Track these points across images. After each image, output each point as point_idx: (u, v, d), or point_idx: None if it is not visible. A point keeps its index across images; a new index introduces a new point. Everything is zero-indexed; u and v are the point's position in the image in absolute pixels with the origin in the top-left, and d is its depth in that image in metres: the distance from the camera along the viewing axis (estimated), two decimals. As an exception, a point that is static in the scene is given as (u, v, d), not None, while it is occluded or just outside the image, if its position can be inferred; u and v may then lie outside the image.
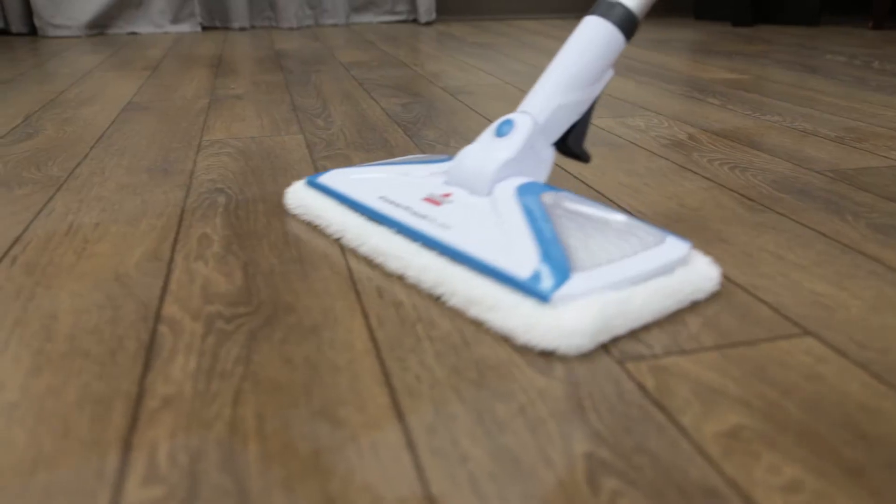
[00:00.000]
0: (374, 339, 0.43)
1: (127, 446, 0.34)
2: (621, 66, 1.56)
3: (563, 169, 0.78)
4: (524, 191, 0.54)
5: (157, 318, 0.46)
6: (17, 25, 2.13)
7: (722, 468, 0.33)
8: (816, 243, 0.58)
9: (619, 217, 0.52)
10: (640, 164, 0.80)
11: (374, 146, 0.88)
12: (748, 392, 0.38)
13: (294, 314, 0.47)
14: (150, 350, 0.43)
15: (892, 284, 0.51)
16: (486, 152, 0.57)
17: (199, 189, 0.72)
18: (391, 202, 0.57)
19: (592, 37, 0.59)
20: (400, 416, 0.36)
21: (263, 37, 2.13)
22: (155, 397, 0.38)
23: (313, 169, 0.78)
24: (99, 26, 2.17)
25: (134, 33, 2.20)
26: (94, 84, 1.33)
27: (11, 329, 0.45)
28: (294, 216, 0.64)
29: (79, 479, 0.32)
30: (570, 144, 0.60)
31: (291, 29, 2.34)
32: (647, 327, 0.45)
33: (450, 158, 0.63)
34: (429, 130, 0.96)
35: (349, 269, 0.53)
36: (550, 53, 1.76)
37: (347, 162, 0.81)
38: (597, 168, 0.78)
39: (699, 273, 0.49)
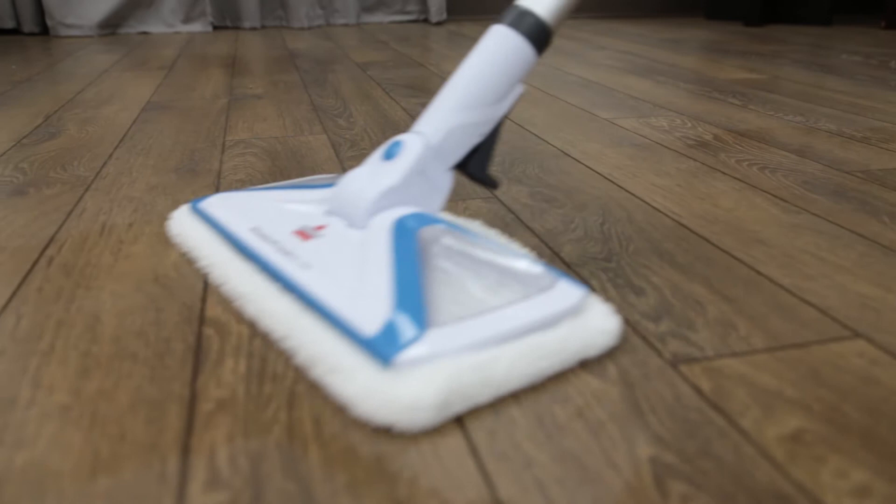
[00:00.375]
0: (422, 342, 0.43)
1: (185, 450, 0.34)
2: (640, 65, 1.55)
3: (594, 171, 0.78)
4: (401, 225, 0.47)
5: (202, 320, 0.46)
6: (28, 25, 2.13)
7: (788, 472, 0.32)
8: (857, 245, 0.58)
9: (508, 258, 0.45)
10: (669, 164, 0.80)
11: (400, 146, 0.87)
12: (806, 395, 0.38)
13: (339, 316, 0.46)
14: (197, 352, 0.42)
15: (937, 286, 0.51)
16: (369, 178, 0.51)
17: (228, 189, 0.71)
18: (261, 235, 0.51)
19: (499, 49, 0.52)
20: (458, 420, 0.36)
21: (275, 36, 2.13)
22: (208, 400, 0.38)
23: (341, 168, 0.78)
24: (110, 26, 2.17)
25: (145, 33, 2.20)
26: (111, 84, 1.32)
27: (55, 331, 0.45)
28: (174, 246, 0.58)
29: (140, 483, 0.32)
30: (472, 170, 0.53)
31: (302, 28, 2.34)
32: (694, 329, 0.45)
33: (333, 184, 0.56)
34: (452, 130, 0.95)
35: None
36: (563, 54, 1.75)
37: (374, 162, 0.80)
38: (627, 169, 0.78)
39: (592, 326, 0.41)
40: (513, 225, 0.61)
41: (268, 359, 0.42)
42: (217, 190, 0.71)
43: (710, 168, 0.78)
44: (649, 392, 0.38)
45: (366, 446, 0.34)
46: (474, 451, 0.34)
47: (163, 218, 0.63)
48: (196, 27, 2.25)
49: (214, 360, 0.41)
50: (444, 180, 0.52)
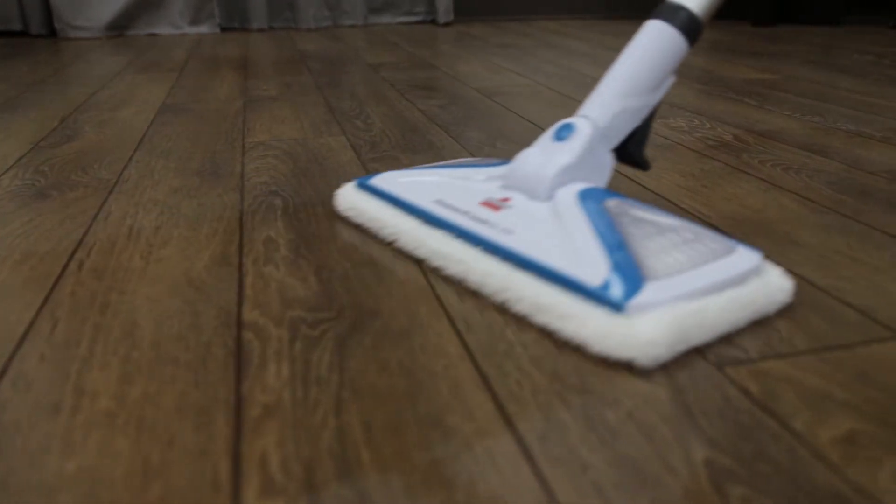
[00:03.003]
0: (465, 344, 0.43)
1: (236, 456, 0.34)
2: (649, 65, 1.55)
3: (617, 171, 0.77)
4: (586, 196, 0.52)
5: (240, 324, 0.46)
6: (36, 27, 2.13)
7: (846, 474, 0.32)
8: (890, 245, 0.58)
9: (685, 225, 0.50)
10: (693, 165, 0.79)
11: (421, 148, 0.87)
12: (855, 396, 0.38)
13: (379, 319, 0.46)
14: (239, 357, 0.42)
15: (975, 286, 0.51)
16: (545, 156, 0.56)
17: (253, 192, 0.71)
18: (448, 206, 0.56)
19: (655, 42, 0.57)
20: (508, 423, 0.36)
21: (284, 38, 2.12)
22: (255, 405, 0.38)
23: (364, 171, 0.78)
24: (118, 28, 2.17)
25: (153, 34, 2.20)
26: (124, 86, 1.32)
27: (93, 336, 0.45)
28: (344, 218, 0.64)
29: (194, 490, 0.32)
30: (631, 151, 0.59)
31: (310, 30, 2.34)
32: (737, 330, 0.44)
33: (504, 162, 0.61)
34: (472, 132, 0.95)
35: (424, 273, 0.53)
36: (576, 55, 1.75)
37: (396, 163, 0.80)
38: (651, 170, 0.78)
39: (772, 284, 0.47)
40: (542, 226, 0.61)
41: (311, 363, 0.41)
42: (242, 192, 0.71)
43: (734, 168, 0.78)
44: (698, 395, 0.38)
45: (419, 451, 0.34)
46: (529, 456, 0.34)
47: (189, 221, 0.63)
48: (204, 28, 2.25)
49: (257, 365, 0.41)
50: (608, 159, 0.58)
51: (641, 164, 0.60)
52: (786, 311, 0.47)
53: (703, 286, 0.44)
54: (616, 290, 0.42)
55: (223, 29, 2.33)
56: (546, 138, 0.57)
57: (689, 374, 0.40)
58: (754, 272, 0.47)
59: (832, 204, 0.67)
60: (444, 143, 0.89)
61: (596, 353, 0.41)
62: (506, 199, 0.56)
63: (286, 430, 0.36)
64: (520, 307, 0.46)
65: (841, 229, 0.61)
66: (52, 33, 2.17)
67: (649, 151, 0.85)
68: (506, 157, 0.82)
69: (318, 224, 0.62)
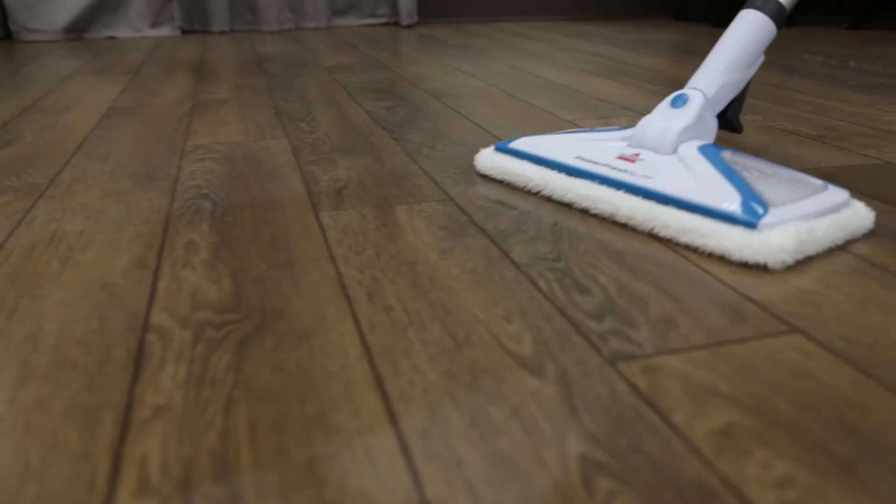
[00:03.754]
0: (365, 344, 0.43)
1: (117, 457, 0.34)
2: (606, 67, 1.56)
3: (548, 170, 0.78)
4: (705, 149, 0.64)
5: (146, 326, 0.46)
6: (-6, 32, 2.11)
7: (715, 466, 0.33)
8: (802, 241, 0.59)
9: (784, 170, 0.63)
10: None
11: (360, 150, 0.87)
12: (739, 390, 0.39)
13: (284, 320, 0.46)
14: (138, 359, 0.42)
15: (877, 280, 0.52)
16: (666, 120, 0.67)
17: (184, 195, 0.71)
18: (588, 160, 0.68)
19: (751, 27, 0.71)
20: (393, 421, 0.36)
21: (244, 40, 2.12)
22: (145, 407, 0.38)
23: (300, 174, 0.78)
24: (76, 30, 2.15)
25: (112, 37, 2.18)
26: (73, 89, 1.31)
27: (-3, 340, 0.45)
28: (485, 177, 0.76)
29: (69, 491, 0.32)
30: (730, 116, 0.73)
31: (272, 32, 2.33)
32: (636, 326, 0.45)
33: (624, 128, 0.72)
34: (414, 133, 0.96)
35: (339, 274, 0.53)
36: (532, 56, 1.76)
37: (334, 165, 0.80)
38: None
39: (859, 214, 0.60)
40: (466, 226, 0.62)
41: (209, 364, 0.42)
42: (173, 196, 0.71)
43: (666, 167, 0.79)
44: (585, 390, 0.39)
45: (298, 450, 0.34)
46: (406, 452, 0.34)
47: (114, 224, 0.63)
48: (164, 31, 2.24)
49: (155, 367, 0.41)
50: (713, 123, 0.70)
51: (737, 128, 0.74)
52: (689, 307, 0.48)
53: (811, 212, 0.57)
54: (750, 213, 0.55)
55: (184, 31, 2.32)
56: (664, 106, 0.69)
57: (580, 370, 0.40)
58: (845, 204, 0.60)
59: (755, 202, 0.68)
60: (385, 146, 0.90)
61: (736, 260, 0.54)
62: (636, 154, 0.67)
63: (171, 431, 0.36)
64: (665, 232, 0.58)
65: (758, 226, 0.62)
66: (7, 36, 2.15)
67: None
68: (446, 156, 0.83)
69: (242, 227, 0.62)
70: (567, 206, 0.67)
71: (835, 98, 1.18)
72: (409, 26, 2.51)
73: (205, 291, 0.51)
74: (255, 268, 0.54)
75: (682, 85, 1.32)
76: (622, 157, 0.67)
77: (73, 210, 0.67)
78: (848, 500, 0.31)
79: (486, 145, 0.89)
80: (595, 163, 0.67)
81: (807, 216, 0.56)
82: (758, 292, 0.50)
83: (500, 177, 0.74)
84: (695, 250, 0.57)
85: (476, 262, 0.55)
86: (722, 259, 0.55)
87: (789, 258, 0.53)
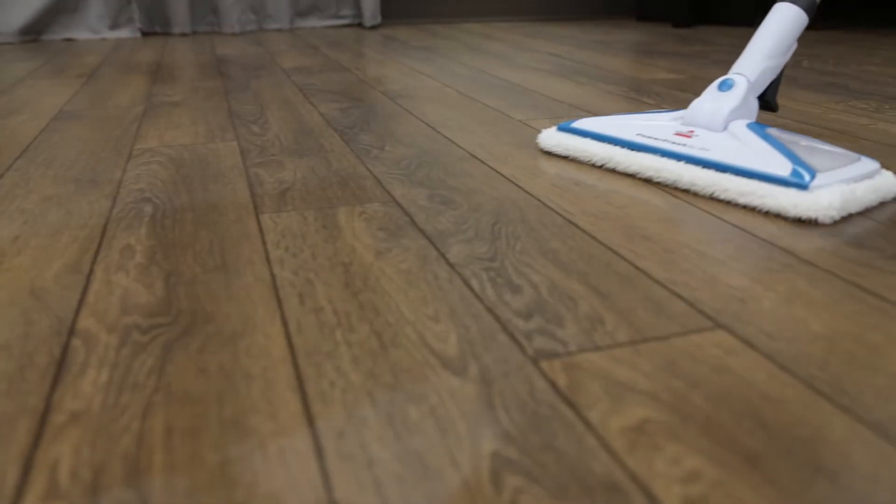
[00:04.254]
0: (291, 346, 0.43)
1: (28, 464, 0.34)
2: (565, 67, 1.57)
3: (497, 172, 0.79)
4: (753, 126, 0.73)
5: (71, 331, 0.46)
6: (-51, 34, 2.08)
7: (625, 462, 0.33)
8: (737, 238, 0.60)
9: (822, 143, 0.74)
10: (572, 163, 0.81)
11: (309, 152, 0.87)
12: (657, 386, 0.39)
13: (213, 323, 0.46)
14: (60, 365, 0.42)
15: (805, 276, 0.53)
16: (716, 102, 0.76)
17: (126, 199, 0.71)
18: (649, 137, 0.78)
19: (785, 18, 0.79)
20: (310, 422, 0.36)
21: (205, 42, 2.10)
22: (62, 412, 0.37)
23: (245, 177, 0.78)
24: (33, 32, 2.13)
25: (70, 39, 2.15)
26: (24, 92, 1.30)
27: (-81, 347, 0.44)
28: (547, 153, 0.86)
29: (-23, 498, 0.32)
30: (768, 97, 0.81)
31: (234, 34, 2.32)
32: (563, 324, 0.45)
33: (672, 111, 0.82)
34: (365, 135, 0.96)
35: (273, 276, 0.53)
36: (492, 56, 1.77)
37: (280, 167, 0.80)
38: (530, 170, 0.79)
39: (890, 181, 0.70)
40: (405, 227, 0.62)
41: (132, 368, 0.41)
42: (115, 200, 0.70)
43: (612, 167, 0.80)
44: (505, 389, 0.39)
45: (212, 453, 0.34)
46: (320, 453, 0.34)
47: (51, 229, 0.63)
48: (124, 33, 2.22)
49: (76, 372, 0.41)
50: (755, 104, 0.79)
51: (773, 107, 0.83)
52: (617, 304, 0.48)
53: (850, 177, 0.67)
54: (802, 177, 0.65)
55: (144, 33, 2.30)
56: (712, 90, 0.78)
57: (502, 369, 0.41)
58: (877, 171, 0.70)
59: (696, 200, 0.69)
60: (334, 147, 0.89)
61: (792, 217, 0.64)
62: (691, 132, 0.76)
63: (86, 436, 0.36)
64: (726, 196, 0.68)
65: (696, 223, 0.63)
66: (-36, 40, 2.11)
67: (536, 151, 0.86)
68: (394, 157, 0.83)
69: (181, 230, 0.62)
70: (513, 204, 0.67)
71: (786, 97, 1.20)
72: (373, 27, 2.51)
73: (135, 295, 0.50)
74: (190, 271, 0.54)
75: (637, 84, 1.33)
76: (679, 134, 0.76)
77: (10, 215, 0.67)
78: (752, 493, 0.32)
79: (436, 146, 0.89)
80: (655, 139, 0.77)
81: (847, 180, 0.66)
82: (687, 290, 0.51)
83: (563, 153, 0.83)
84: (632, 249, 0.57)
85: (411, 262, 0.55)
86: (647, 256, 0.56)
87: (837, 214, 0.63)
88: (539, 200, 0.69)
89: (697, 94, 1.24)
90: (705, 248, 0.58)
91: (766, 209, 0.65)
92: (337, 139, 0.93)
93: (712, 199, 0.69)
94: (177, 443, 0.35)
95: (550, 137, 0.85)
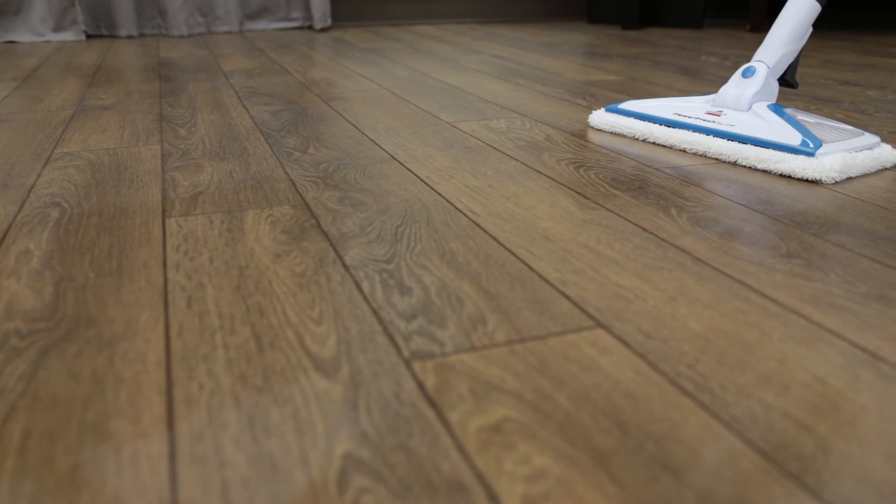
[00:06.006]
0: (168, 350, 0.43)
1: None
2: (507, 69, 1.58)
3: (414, 174, 0.79)
4: (773, 107, 0.86)
5: (-51, 337, 0.45)
6: None
7: (474, 462, 0.34)
8: (635, 237, 0.61)
9: (834, 122, 0.88)
10: (490, 166, 0.82)
11: (231, 155, 0.87)
12: (524, 385, 0.40)
13: (95, 327, 0.46)
14: (-69, 371, 0.41)
15: (695, 275, 0.54)
16: (740, 88, 0.89)
17: (34, 203, 0.70)
18: (684, 115, 0.92)
19: (800, 7, 0.88)
20: (171, 425, 0.36)
21: (151, 45, 2.08)
22: (-78, 419, 0.37)
23: (160, 180, 0.77)
24: (-24, 36, 2.09)
25: (12, 42, 2.12)
26: (-45, 96, 1.28)
27: None
28: (597, 131, 0.99)
29: None
30: (787, 77, 0.92)
31: (182, 37, 2.30)
32: (445, 325, 0.46)
33: (706, 95, 0.95)
34: (291, 138, 0.95)
35: (165, 280, 0.53)
36: (436, 59, 1.77)
37: (199, 171, 0.80)
38: (446, 172, 0.79)
39: (887, 152, 0.83)
40: (309, 230, 0.62)
41: (2, 374, 0.41)
42: (22, 204, 0.69)
43: (528, 168, 0.81)
44: (372, 390, 0.39)
45: (65, 457, 0.34)
46: (172, 456, 0.34)
47: (-50, 234, 0.62)
48: (68, 36, 2.19)
49: (-54, 379, 0.41)
50: (775, 86, 0.90)
51: (793, 85, 0.93)
52: (504, 305, 0.49)
53: (852, 147, 0.81)
54: (810, 146, 0.79)
55: (89, 36, 2.27)
56: (737, 77, 0.90)
57: (374, 370, 0.41)
58: (877, 144, 0.85)
59: (603, 200, 0.70)
60: (257, 150, 0.89)
61: (799, 178, 0.77)
62: (720, 112, 0.89)
63: (-59, 444, 0.35)
64: (746, 163, 0.82)
65: (599, 224, 0.63)
66: None
67: (457, 152, 0.86)
68: (315, 160, 0.83)
69: (84, 235, 0.62)
70: (422, 206, 0.67)
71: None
72: (323, 30, 2.50)
73: (22, 300, 0.50)
74: (83, 276, 0.54)
75: (575, 86, 1.34)
76: (710, 113, 0.89)
77: (-88, 220, 0.66)
78: (594, 491, 0.32)
79: (359, 148, 0.89)
80: (689, 117, 0.91)
81: (851, 149, 0.80)
82: (575, 289, 0.51)
83: (611, 130, 0.97)
84: (531, 250, 0.58)
85: (307, 265, 0.55)
86: (543, 257, 0.57)
87: (838, 176, 0.76)
88: (448, 202, 0.69)
89: (632, 95, 1.26)
90: (604, 247, 0.59)
91: (779, 172, 0.78)
92: (262, 142, 0.93)
93: (736, 165, 0.82)
94: (32, 447, 0.35)
95: (600, 117, 0.99)
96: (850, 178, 0.78)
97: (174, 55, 1.85)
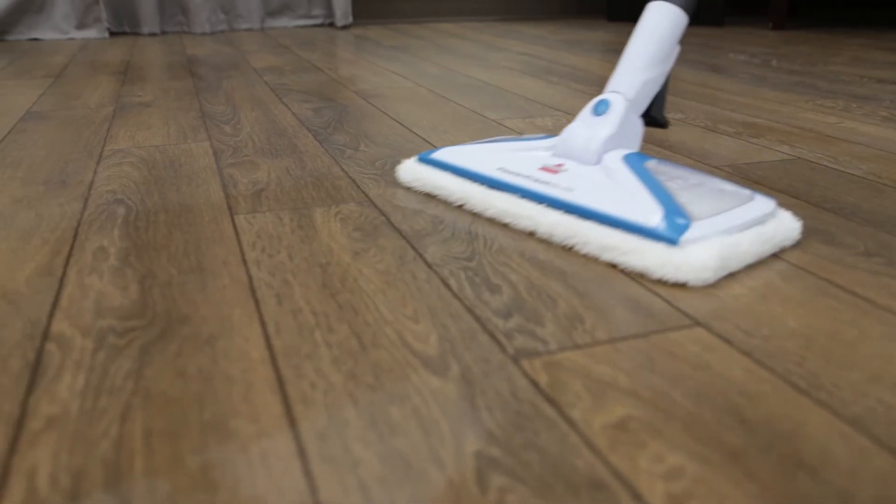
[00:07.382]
0: (270, 348, 0.43)
1: (5, 470, 0.33)
2: (537, 67, 1.58)
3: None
4: (630, 159, 0.62)
5: (45, 335, 0.45)
6: None
7: (608, 459, 0.33)
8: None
9: (710, 179, 0.62)
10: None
11: (283, 152, 0.87)
12: (637, 383, 0.39)
13: (189, 325, 0.46)
14: (35, 369, 0.41)
15: (780, 273, 0.53)
16: (589, 129, 0.65)
17: (97, 200, 0.70)
18: (511, 172, 0.65)
19: (662, 19, 0.67)
20: (292, 424, 0.36)
21: (175, 42, 2.08)
22: (38, 418, 0.37)
23: (219, 178, 0.77)
24: (-1, 34, 2.09)
25: (36, 39, 2.12)
26: (-9, 94, 1.28)
27: None
28: (408, 188, 0.73)
29: (-48, 506, 0.31)
30: (654, 113, 0.70)
31: (204, 34, 2.30)
32: (542, 323, 0.46)
33: (548, 136, 0.70)
34: (340, 135, 0.95)
35: (249, 278, 0.52)
36: (462, 56, 1.77)
37: (255, 168, 0.80)
38: (503, 168, 0.79)
39: (786, 224, 0.58)
40: (381, 227, 0.62)
41: (108, 372, 0.41)
42: (86, 202, 0.69)
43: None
44: (487, 388, 0.39)
45: (193, 456, 0.34)
46: (302, 455, 0.34)
47: (22, 232, 0.61)
48: (91, 33, 2.19)
49: (52, 377, 0.40)
50: (639, 125, 0.67)
51: (662, 124, 0.72)
52: (596, 303, 0.48)
53: (735, 225, 0.55)
54: (671, 229, 0.53)
55: (112, 33, 2.27)
56: (586, 113, 0.66)
57: (483, 368, 0.41)
58: (771, 215, 0.58)
59: (669, 198, 0.69)
60: (308, 147, 0.89)
61: (657, 279, 0.52)
62: (560, 165, 0.64)
63: (64, 441, 0.35)
64: (587, 249, 0.56)
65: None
66: (-74, 39, 2.07)
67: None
68: (369, 157, 0.83)
69: (155, 232, 0.61)
70: (485, 206, 0.67)
71: (754, 96, 1.21)
72: (345, 27, 2.50)
73: (110, 298, 0.50)
74: (164, 273, 0.53)
75: (605, 83, 1.34)
76: (545, 168, 0.64)
77: (-21, 217, 0.65)
78: (734, 488, 0.32)
79: (410, 145, 0.89)
80: (517, 174, 0.64)
81: (731, 229, 0.55)
82: (664, 287, 0.51)
83: (422, 189, 0.71)
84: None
85: (388, 262, 0.55)
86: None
87: (711, 276, 0.51)
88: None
89: (669, 94, 1.25)
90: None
91: (629, 268, 0.54)
92: (311, 139, 0.93)
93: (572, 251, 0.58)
94: (157, 446, 0.35)
95: (409, 170, 0.73)
96: (730, 275, 0.53)
97: (200, 52, 1.84)
